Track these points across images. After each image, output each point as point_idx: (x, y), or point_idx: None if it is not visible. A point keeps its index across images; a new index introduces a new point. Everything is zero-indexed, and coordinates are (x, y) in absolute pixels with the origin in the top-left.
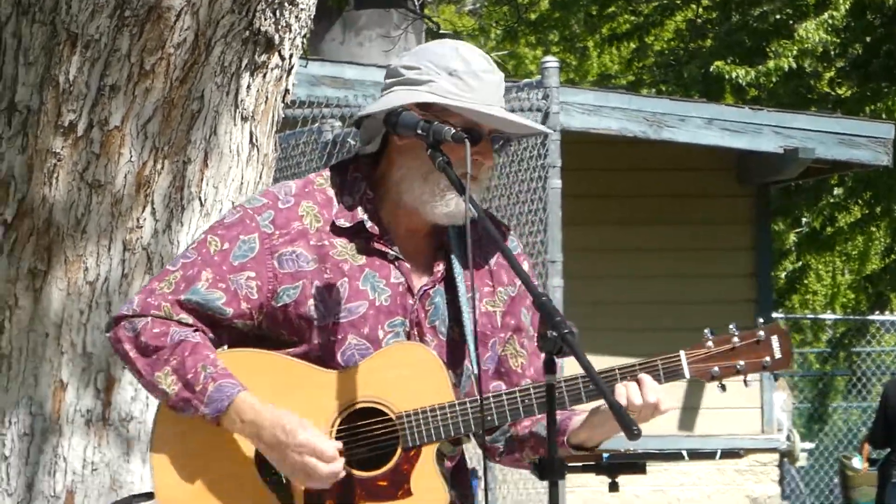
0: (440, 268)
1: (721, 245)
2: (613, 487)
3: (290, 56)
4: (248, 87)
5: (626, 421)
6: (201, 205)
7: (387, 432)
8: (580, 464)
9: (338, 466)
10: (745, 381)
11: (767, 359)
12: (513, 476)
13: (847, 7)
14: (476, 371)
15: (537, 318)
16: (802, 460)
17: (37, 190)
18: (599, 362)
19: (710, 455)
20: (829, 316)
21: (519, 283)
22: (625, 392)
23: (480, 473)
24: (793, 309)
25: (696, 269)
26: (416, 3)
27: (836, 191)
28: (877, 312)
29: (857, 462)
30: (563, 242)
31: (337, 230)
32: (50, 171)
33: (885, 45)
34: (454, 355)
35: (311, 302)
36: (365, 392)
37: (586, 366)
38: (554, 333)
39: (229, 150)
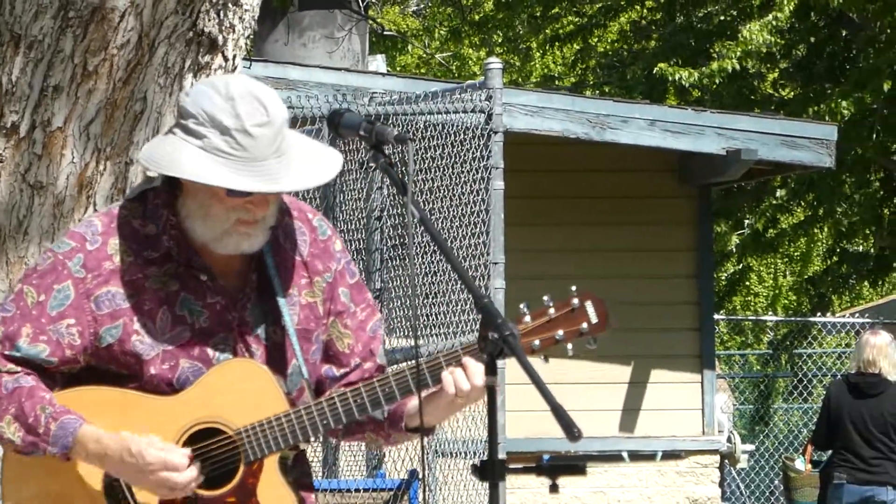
0: (254, 276)
1: (663, 246)
2: (554, 489)
3: (234, 57)
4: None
5: (567, 423)
6: None
7: (228, 449)
8: (521, 465)
9: (192, 473)
10: (567, 350)
11: (584, 325)
12: (454, 478)
13: (791, 8)
14: (304, 369)
15: (358, 295)
16: (743, 462)
17: None
18: (541, 363)
19: (650, 457)
20: (770, 317)
21: (334, 268)
22: (452, 379)
23: (421, 475)
24: (734, 311)
25: (637, 270)
26: (361, 4)
27: (779, 192)
28: (818, 314)
29: (800, 463)
30: (505, 244)
31: (147, 261)
32: None
33: (829, 47)
34: (279, 356)
35: (134, 338)
36: (201, 413)
37: (527, 367)
38: (495, 335)
39: None
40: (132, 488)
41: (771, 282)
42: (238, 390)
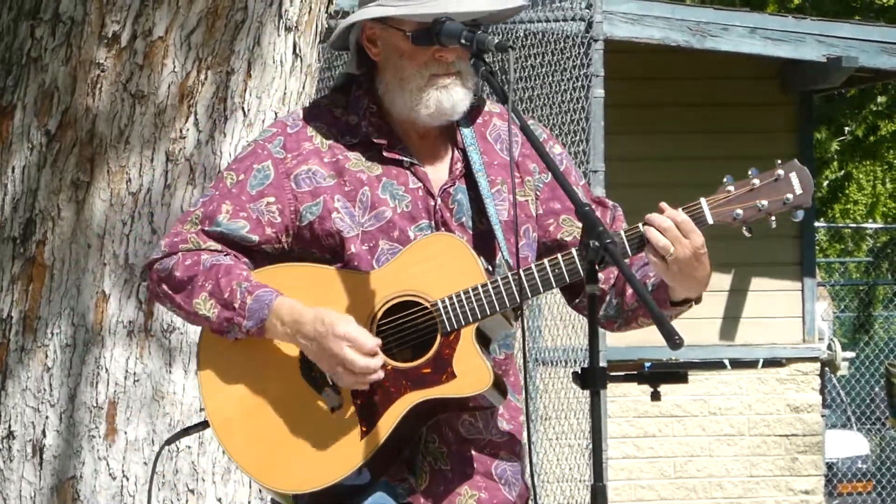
0: (458, 165)
1: (763, 153)
2: (655, 397)
3: None
4: None
5: (669, 331)
6: (244, 115)
7: (425, 321)
8: (621, 373)
9: (376, 362)
10: (771, 223)
11: (789, 196)
12: (554, 386)
13: None
14: (511, 261)
15: (587, 192)
16: (843, 369)
17: (80, 101)
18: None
19: (751, 364)
20: (870, 225)
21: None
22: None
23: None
24: (834, 218)
25: (738, 177)
26: None
27: (880, 99)
28: None
29: None
30: (605, 152)
31: (348, 146)
32: (93, 81)
33: None
34: (486, 246)
35: (335, 215)
36: (399, 287)
37: (629, 276)
38: (596, 243)
39: (273, 60)
40: None
41: (870, 189)
42: (436, 263)
